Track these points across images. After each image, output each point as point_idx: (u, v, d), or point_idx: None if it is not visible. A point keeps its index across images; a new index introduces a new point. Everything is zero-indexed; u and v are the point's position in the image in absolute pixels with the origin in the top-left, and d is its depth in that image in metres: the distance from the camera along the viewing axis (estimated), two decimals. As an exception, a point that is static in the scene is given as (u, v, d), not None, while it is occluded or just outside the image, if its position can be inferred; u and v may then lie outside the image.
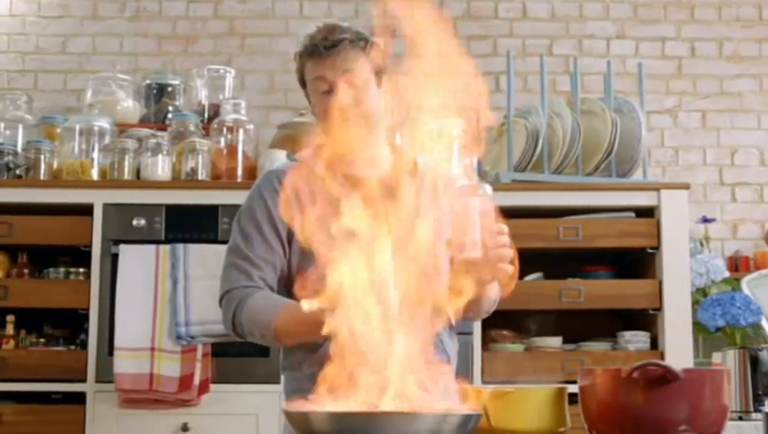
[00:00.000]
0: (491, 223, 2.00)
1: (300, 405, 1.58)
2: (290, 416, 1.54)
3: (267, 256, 2.18)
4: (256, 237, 2.19)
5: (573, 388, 1.74)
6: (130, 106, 4.13)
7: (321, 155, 2.25)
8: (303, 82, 2.26)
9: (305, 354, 2.15)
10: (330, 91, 2.16)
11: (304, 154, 2.27)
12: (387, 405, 1.60)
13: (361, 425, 1.49)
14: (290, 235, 2.18)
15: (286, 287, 2.20)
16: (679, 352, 3.70)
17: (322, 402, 1.59)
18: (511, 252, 2.03)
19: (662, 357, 3.70)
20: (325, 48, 2.14)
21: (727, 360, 3.46)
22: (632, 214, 3.83)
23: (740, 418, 3.35)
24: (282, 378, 2.30)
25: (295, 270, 2.19)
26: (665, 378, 1.56)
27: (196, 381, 3.52)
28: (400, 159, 2.27)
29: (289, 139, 3.96)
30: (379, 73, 2.19)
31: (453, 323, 2.29)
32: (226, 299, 2.20)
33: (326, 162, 2.23)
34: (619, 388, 1.60)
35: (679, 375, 1.56)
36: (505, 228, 2.04)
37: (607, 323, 3.91)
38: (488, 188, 2.05)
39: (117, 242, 3.67)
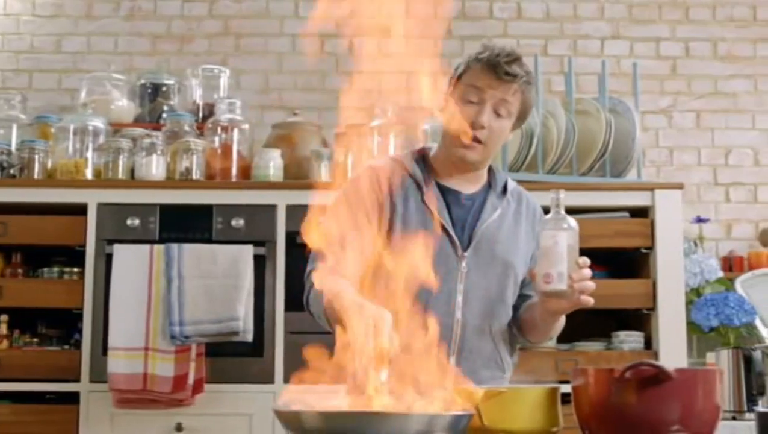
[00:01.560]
0: (576, 256, 2.07)
1: (290, 405, 1.58)
2: (281, 415, 1.54)
3: (355, 241, 2.18)
4: (347, 222, 2.20)
5: (567, 388, 1.74)
6: (124, 106, 4.13)
7: (423, 162, 2.33)
8: (452, 82, 2.29)
9: None
10: (477, 104, 2.22)
11: (404, 157, 2.35)
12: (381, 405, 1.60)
13: (352, 424, 1.49)
14: (380, 225, 2.22)
15: (373, 277, 2.20)
16: (673, 352, 3.70)
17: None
18: (593, 285, 2.13)
19: (656, 357, 3.71)
20: (504, 73, 2.21)
21: (721, 360, 3.47)
22: (626, 214, 3.84)
23: (734, 418, 3.36)
24: None
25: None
26: (658, 378, 1.57)
27: (190, 381, 3.52)
28: (493, 181, 2.36)
29: (284, 138, 3.96)
30: (521, 116, 2.29)
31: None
32: (307, 280, 2.24)
33: (428, 168, 2.31)
34: (612, 388, 1.61)
35: (672, 375, 1.56)
36: (588, 261, 2.11)
37: (601, 323, 3.91)
38: (573, 222, 2.10)
39: (111, 242, 3.66)
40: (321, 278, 2.11)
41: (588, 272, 2.10)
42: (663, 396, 1.57)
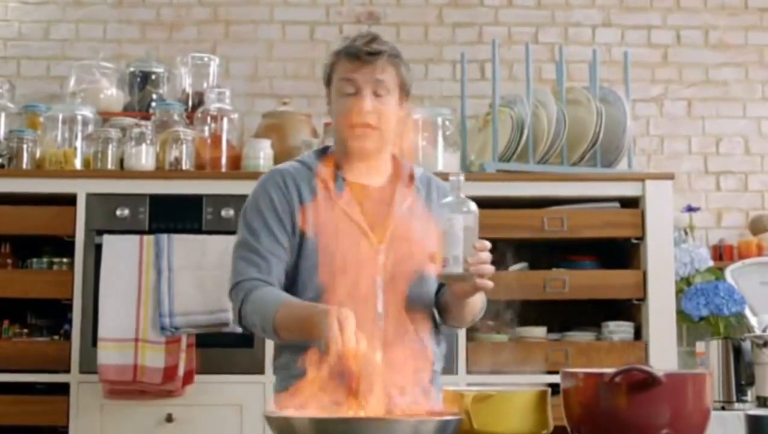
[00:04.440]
0: (474, 239, 2.05)
1: (281, 411, 1.59)
2: (271, 421, 1.54)
3: (274, 249, 2.25)
4: (263, 231, 2.26)
5: (556, 379, 1.75)
6: (113, 95, 4.10)
7: (327, 159, 2.32)
8: (328, 81, 2.33)
9: (293, 355, 2.17)
10: (355, 94, 2.24)
11: (307, 157, 2.37)
12: (366, 409, 1.60)
13: (343, 430, 1.49)
14: (293, 230, 2.26)
15: (291, 282, 2.27)
16: (662, 342, 3.71)
17: (304, 406, 1.60)
18: (492, 268, 2.10)
19: (646, 346, 3.72)
20: (366, 54, 2.24)
21: (711, 350, 3.48)
22: (617, 204, 3.84)
23: (723, 408, 3.37)
24: (274, 378, 2.35)
25: (299, 266, 2.26)
26: (647, 382, 1.57)
27: (181, 371, 3.51)
28: (399, 171, 2.36)
29: (274, 128, 3.95)
30: (403, 89, 2.30)
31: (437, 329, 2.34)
32: (235, 291, 2.26)
33: (332, 167, 2.31)
34: (602, 392, 1.61)
35: (662, 379, 1.57)
36: (488, 244, 2.09)
37: (591, 313, 3.92)
38: (473, 205, 2.08)
39: (100, 232, 3.65)
40: (257, 290, 2.18)
41: (485, 255, 2.07)
42: (653, 400, 1.58)
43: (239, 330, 2.52)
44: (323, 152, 2.38)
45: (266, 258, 2.24)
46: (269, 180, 2.33)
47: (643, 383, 1.57)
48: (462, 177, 2.10)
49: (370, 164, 2.32)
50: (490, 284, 2.11)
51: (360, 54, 2.24)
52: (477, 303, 2.29)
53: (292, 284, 2.27)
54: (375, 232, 2.26)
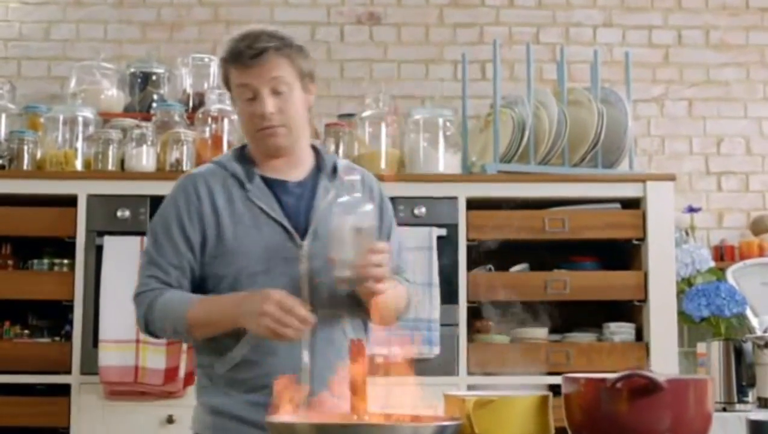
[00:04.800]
0: (367, 241, 2.03)
1: (283, 416, 1.58)
2: (273, 427, 1.54)
3: (175, 261, 2.21)
4: (165, 243, 2.22)
5: (557, 380, 1.75)
6: (114, 95, 4.10)
7: (242, 158, 2.29)
8: (228, 87, 2.28)
9: (215, 356, 2.19)
10: (254, 98, 2.19)
11: (224, 157, 2.32)
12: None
13: (344, 436, 1.49)
14: (203, 239, 2.21)
15: (200, 290, 2.22)
16: (663, 343, 3.71)
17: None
18: (381, 272, 2.05)
19: (647, 347, 3.72)
20: (250, 57, 2.17)
21: (712, 351, 3.48)
22: (618, 205, 3.83)
23: (724, 409, 3.37)
24: (196, 374, 2.32)
25: (207, 274, 2.22)
26: (649, 388, 1.56)
27: (182, 373, 3.52)
28: (321, 163, 2.31)
29: (275, 129, 3.94)
30: (304, 77, 2.23)
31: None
32: (137, 303, 2.24)
33: (248, 165, 2.27)
34: (603, 397, 1.60)
35: (663, 385, 1.56)
36: (383, 246, 2.06)
37: (592, 314, 3.92)
38: (368, 206, 2.06)
39: (101, 234, 3.65)
40: (161, 297, 2.16)
41: (375, 258, 2.03)
42: (654, 406, 1.57)
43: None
44: (241, 151, 2.32)
45: (168, 272, 2.20)
46: (179, 188, 2.28)
47: (644, 389, 1.57)
48: (358, 177, 2.07)
49: (287, 159, 2.27)
50: (379, 288, 2.07)
51: (244, 57, 2.18)
52: (390, 302, 2.19)
53: (212, 289, 2.21)
54: (297, 228, 2.20)
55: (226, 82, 2.27)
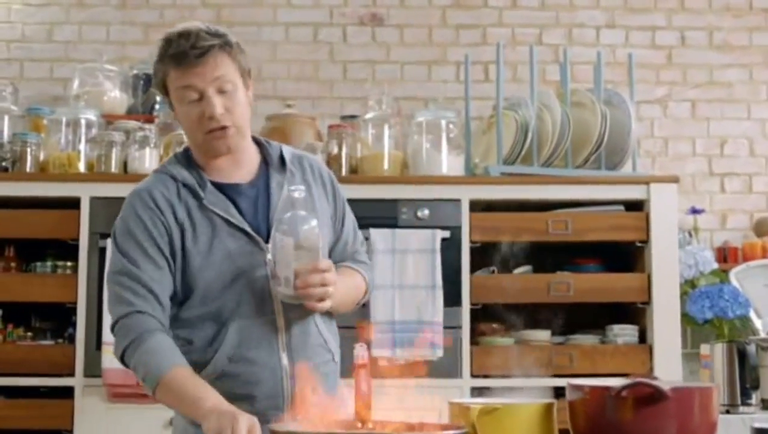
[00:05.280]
0: (310, 257, 2.01)
1: (286, 424, 1.58)
2: (277, 435, 1.54)
3: (155, 276, 2.09)
4: (142, 259, 2.09)
5: (560, 382, 1.75)
6: (117, 97, 4.10)
7: (188, 164, 2.19)
8: (164, 89, 2.16)
9: (194, 370, 2.09)
10: (200, 99, 2.10)
11: (169, 165, 2.21)
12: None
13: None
14: (172, 251, 2.11)
15: (181, 298, 2.13)
16: (667, 345, 3.71)
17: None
18: (321, 292, 2.03)
19: (651, 350, 3.72)
20: (195, 56, 2.06)
21: (715, 353, 3.47)
22: (621, 207, 3.83)
23: (727, 411, 3.37)
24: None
25: (179, 286, 2.12)
26: (654, 396, 1.56)
27: (185, 375, 3.51)
28: (267, 157, 2.23)
29: (278, 131, 3.93)
30: (244, 74, 2.16)
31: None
32: (121, 326, 2.09)
33: (195, 172, 2.18)
34: (608, 405, 1.61)
35: (668, 393, 1.56)
36: (325, 264, 2.04)
37: (595, 316, 3.92)
38: (313, 221, 2.03)
39: (104, 236, 3.63)
40: (150, 340, 2.04)
41: (317, 277, 2.01)
42: (659, 414, 1.57)
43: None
44: (183, 156, 2.22)
45: (151, 289, 2.07)
46: (137, 202, 2.14)
47: (649, 397, 1.57)
48: (301, 193, 2.03)
49: (232, 157, 2.17)
50: (319, 306, 2.05)
51: (188, 57, 2.06)
52: (343, 298, 2.18)
53: (182, 301, 2.12)
54: (259, 232, 2.13)
55: (163, 85, 2.15)
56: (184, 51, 2.06)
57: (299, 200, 2.03)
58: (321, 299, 2.05)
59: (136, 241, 2.10)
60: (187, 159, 2.20)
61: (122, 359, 2.12)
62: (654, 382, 1.58)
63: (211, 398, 1.92)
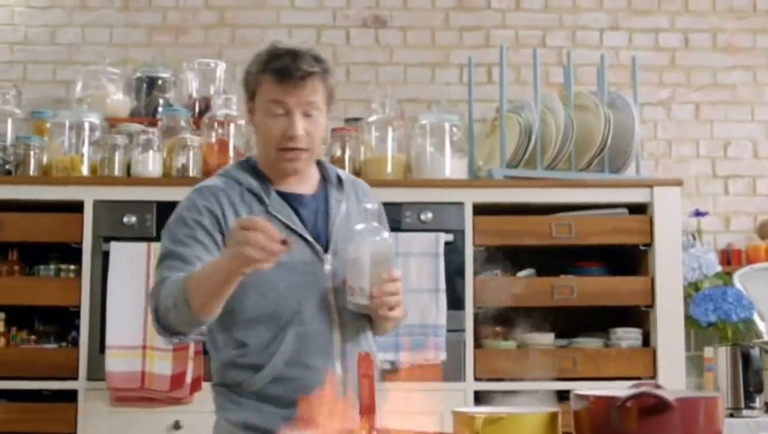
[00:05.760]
0: (384, 268, 2.06)
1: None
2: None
3: (202, 255, 2.11)
4: (189, 241, 2.12)
5: (564, 386, 1.74)
6: (120, 100, 4.10)
7: (254, 172, 2.25)
8: (251, 93, 2.21)
9: (247, 373, 2.16)
10: (285, 116, 2.15)
11: (233, 171, 2.27)
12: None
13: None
14: (225, 241, 2.11)
15: (235, 302, 2.13)
16: (670, 348, 3.70)
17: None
18: (396, 300, 2.10)
19: (654, 353, 3.71)
20: (298, 78, 2.12)
21: (719, 357, 3.48)
22: (625, 211, 3.82)
23: (731, 415, 3.37)
24: (214, 392, 2.30)
25: (242, 286, 2.10)
26: (659, 407, 1.56)
27: (188, 379, 3.51)
28: (326, 175, 2.31)
29: (281, 134, 3.93)
30: (328, 98, 2.22)
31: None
32: (151, 296, 2.13)
33: (260, 179, 2.24)
34: (613, 415, 1.60)
35: (673, 404, 1.56)
36: (397, 274, 2.10)
37: (599, 319, 3.91)
38: (385, 233, 2.08)
39: (108, 240, 3.64)
40: (169, 279, 2.06)
41: (392, 286, 2.08)
42: (664, 425, 1.57)
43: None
44: (247, 164, 2.29)
45: (192, 262, 2.08)
46: (197, 194, 2.20)
47: (654, 407, 1.56)
48: (377, 206, 2.09)
49: (301, 177, 2.26)
50: (395, 314, 2.12)
51: (292, 77, 2.12)
52: (392, 322, 2.25)
53: (236, 304, 2.13)
54: (319, 242, 2.19)
55: (253, 90, 2.20)
56: (288, 69, 2.12)
57: (371, 211, 2.09)
58: (392, 308, 2.11)
59: (186, 226, 2.14)
60: (252, 167, 2.27)
61: (156, 320, 2.12)
62: (659, 392, 1.57)
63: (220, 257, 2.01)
